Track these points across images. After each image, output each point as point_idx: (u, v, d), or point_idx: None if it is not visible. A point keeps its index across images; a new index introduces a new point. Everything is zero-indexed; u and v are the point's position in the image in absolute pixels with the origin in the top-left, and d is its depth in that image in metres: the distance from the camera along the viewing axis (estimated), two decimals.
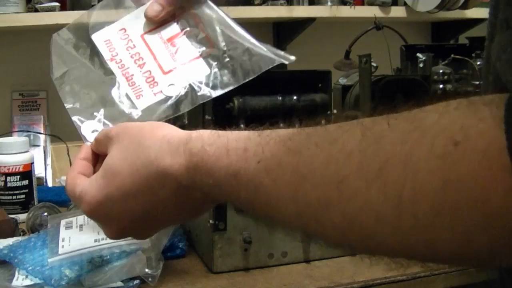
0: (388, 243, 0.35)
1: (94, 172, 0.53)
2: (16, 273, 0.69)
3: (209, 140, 0.44)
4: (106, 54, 0.63)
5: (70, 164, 1.34)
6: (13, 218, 0.88)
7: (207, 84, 0.61)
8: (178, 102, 0.61)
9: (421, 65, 1.01)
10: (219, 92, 0.61)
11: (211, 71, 0.62)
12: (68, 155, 1.27)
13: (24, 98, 1.37)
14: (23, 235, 0.85)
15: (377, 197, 0.33)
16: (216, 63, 0.62)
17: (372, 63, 0.95)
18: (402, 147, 0.33)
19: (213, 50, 0.63)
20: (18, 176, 0.99)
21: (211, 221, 0.74)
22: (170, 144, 0.45)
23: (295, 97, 0.75)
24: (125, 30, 0.64)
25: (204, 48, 0.63)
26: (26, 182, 1.00)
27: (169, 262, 0.78)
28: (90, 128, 0.60)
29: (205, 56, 0.62)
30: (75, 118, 0.62)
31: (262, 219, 0.43)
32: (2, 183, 0.98)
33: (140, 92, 0.61)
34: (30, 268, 0.69)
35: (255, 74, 0.61)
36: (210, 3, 0.64)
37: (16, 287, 0.67)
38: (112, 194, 0.47)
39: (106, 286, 0.68)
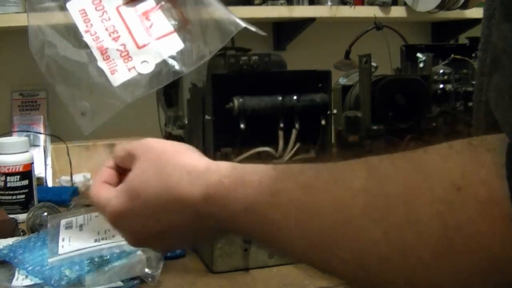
0: (394, 282, 0.35)
1: (120, 181, 0.54)
2: (16, 273, 0.69)
3: (226, 172, 0.45)
4: (81, 25, 0.63)
5: (70, 164, 1.35)
6: (13, 218, 0.88)
7: (180, 60, 0.62)
8: (153, 78, 0.62)
9: (421, 65, 1.01)
10: (191, 68, 0.62)
11: (184, 46, 0.62)
12: (68, 155, 1.27)
13: (24, 98, 1.37)
14: (23, 235, 0.85)
15: (382, 238, 0.34)
16: (189, 36, 0.62)
17: (372, 63, 0.95)
18: (404, 189, 0.33)
19: (187, 24, 0.63)
20: (18, 176, 0.99)
21: None
22: (190, 174, 0.47)
23: (295, 97, 0.75)
24: (100, 1, 0.63)
25: (177, 23, 0.63)
26: (26, 182, 1.00)
27: (169, 262, 0.78)
28: (79, 111, 0.61)
29: (178, 31, 0.63)
30: (65, 99, 0.62)
31: (276, 253, 0.44)
32: (2, 183, 0.98)
33: (115, 67, 0.61)
34: (30, 268, 0.69)
35: (224, 42, 0.62)
36: None
37: (16, 287, 0.67)
38: (134, 211, 0.49)
39: (106, 286, 0.68)
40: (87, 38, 0.62)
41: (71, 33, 0.64)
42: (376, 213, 0.34)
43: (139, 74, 0.61)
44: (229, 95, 0.73)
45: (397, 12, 1.54)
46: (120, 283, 0.69)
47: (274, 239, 0.41)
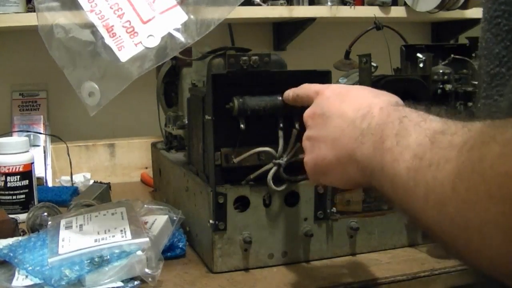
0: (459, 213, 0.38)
1: None
2: (16, 273, 0.69)
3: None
4: (85, 5, 0.64)
5: (70, 164, 1.35)
6: (13, 218, 0.88)
7: (185, 32, 0.65)
8: (159, 52, 0.64)
9: (421, 65, 1.01)
10: (196, 39, 0.65)
11: (188, 18, 0.65)
12: (68, 155, 1.27)
13: (24, 98, 1.37)
14: (23, 235, 0.85)
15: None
16: (192, 8, 0.65)
17: (372, 63, 0.95)
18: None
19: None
20: (18, 176, 0.99)
21: (211, 221, 0.74)
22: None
23: None
24: None
25: None
26: (26, 182, 1.00)
27: (169, 262, 0.78)
28: (88, 90, 0.62)
29: (181, 3, 0.65)
30: (72, 81, 0.64)
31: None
32: (2, 183, 0.98)
33: (122, 44, 0.63)
34: (30, 268, 0.69)
35: (230, 12, 0.65)
36: None
37: (16, 287, 0.67)
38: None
39: (106, 286, 0.68)
40: (92, 18, 0.64)
41: (77, 14, 0.65)
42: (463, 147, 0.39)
43: (146, 48, 0.63)
44: (229, 95, 0.73)
45: (397, 12, 1.54)
46: (120, 283, 0.69)
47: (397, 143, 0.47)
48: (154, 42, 0.64)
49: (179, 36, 0.65)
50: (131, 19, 0.64)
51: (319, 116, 0.60)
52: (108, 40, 0.64)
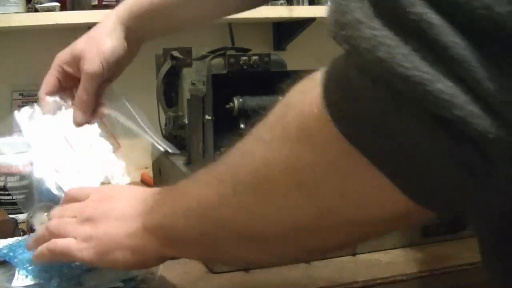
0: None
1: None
2: (16, 273, 0.69)
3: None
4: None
5: None
6: (13, 218, 0.88)
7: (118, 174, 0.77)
8: None
9: None
10: (127, 179, 0.76)
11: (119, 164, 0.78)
12: None
13: (24, 98, 1.37)
14: (23, 235, 0.85)
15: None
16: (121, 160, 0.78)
17: None
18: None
19: (119, 149, 0.79)
20: (18, 176, 0.99)
21: None
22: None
23: None
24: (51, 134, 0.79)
25: (112, 147, 0.79)
26: (26, 182, 1.00)
27: (169, 262, 0.78)
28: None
29: (114, 153, 0.78)
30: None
31: None
32: (2, 183, 0.98)
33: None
34: (30, 268, 0.69)
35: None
36: (124, 101, 0.83)
37: (16, 287, 0.67)
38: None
39: (106, 286, 0.68)
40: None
41: None
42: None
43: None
44: (229, 95, 0.74)
45: None
46: (120, 283, 0.69)
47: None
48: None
49: (114, 177, 0.78)
50: (76, 164, 0.77)
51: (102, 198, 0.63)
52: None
